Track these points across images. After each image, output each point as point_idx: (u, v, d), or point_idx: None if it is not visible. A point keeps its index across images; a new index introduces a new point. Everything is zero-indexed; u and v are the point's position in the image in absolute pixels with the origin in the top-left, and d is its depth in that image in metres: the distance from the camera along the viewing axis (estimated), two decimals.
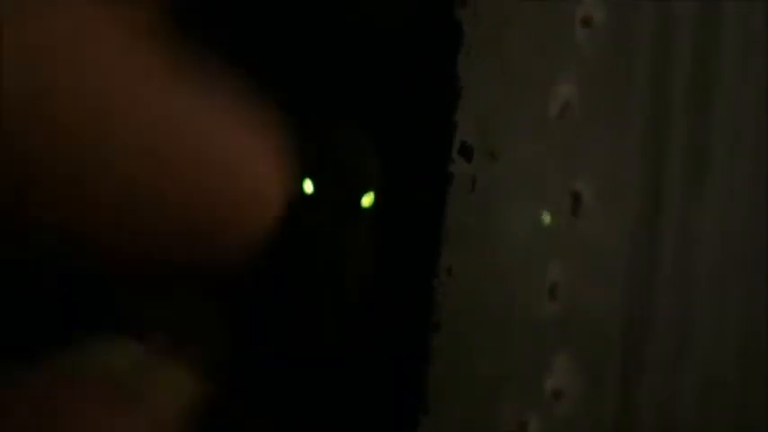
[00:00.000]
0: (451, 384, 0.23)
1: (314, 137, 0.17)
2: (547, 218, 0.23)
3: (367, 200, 0.17)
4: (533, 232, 0.24)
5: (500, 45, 0.23)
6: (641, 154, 0.24)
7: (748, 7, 0.25)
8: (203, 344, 0.28)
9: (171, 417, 0.20)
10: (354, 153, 0.18)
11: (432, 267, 0.23)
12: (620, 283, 0.24)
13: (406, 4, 0.24)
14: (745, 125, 0.25)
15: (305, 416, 0.26)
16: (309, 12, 0.23)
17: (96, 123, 0.12)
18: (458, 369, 0.23)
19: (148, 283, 0.18)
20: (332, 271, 0.17)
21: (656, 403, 0.24)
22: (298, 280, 0.18)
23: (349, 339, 0.25)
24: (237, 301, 0.23)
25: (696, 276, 0.24)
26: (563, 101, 0.24)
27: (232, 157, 0.14)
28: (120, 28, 0.13)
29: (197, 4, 0.20)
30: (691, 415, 0.24)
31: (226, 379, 0.28)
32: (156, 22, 0.14)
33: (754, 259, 0.25)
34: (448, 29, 0.24)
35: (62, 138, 0.12)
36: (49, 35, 0.12)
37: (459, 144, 0.23)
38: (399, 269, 0.23)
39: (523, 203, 0.24)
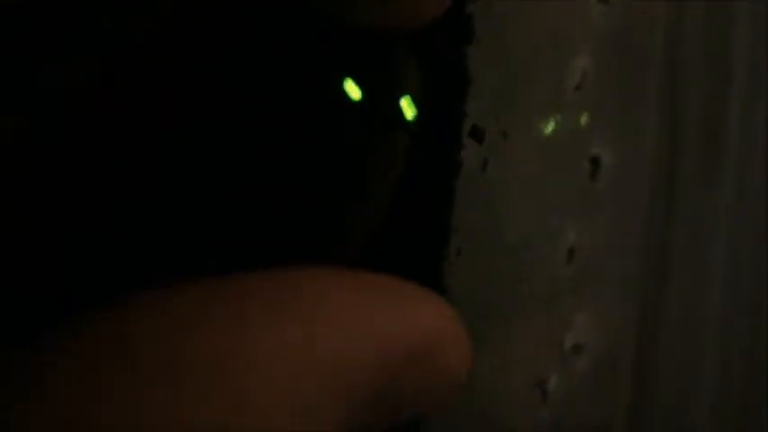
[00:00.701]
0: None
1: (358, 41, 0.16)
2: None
3: (410, 112, 0.16)
4: (550, 199, 0.25)
5: (514, 20, 0.25)
6: (657, 122, 0.25)
7: None
8: None
9: None
10: (398, 63, 0.17)
11: (443, 248, 0.24)
12: (636, 243, 0.25)
13: None
14: (760, 93, 0.26)
15: None
16: None
17: None
18: (472, 331, 0.24)
19: None
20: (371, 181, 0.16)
21: (674, 359, 0.25)
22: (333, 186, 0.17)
23: None
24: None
25: (710, 237, 0.25)
26: (580, 72, 0.25)
27: None
28: None
29: None
30: (708, 366, 0.25)
31: None
32: None
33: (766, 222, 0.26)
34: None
35: None
36: None
37: (470, 127, 0.24)
38: (413, 247, 0.25)
39: (539, 174, 0.25)
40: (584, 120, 0.25)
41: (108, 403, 0.13)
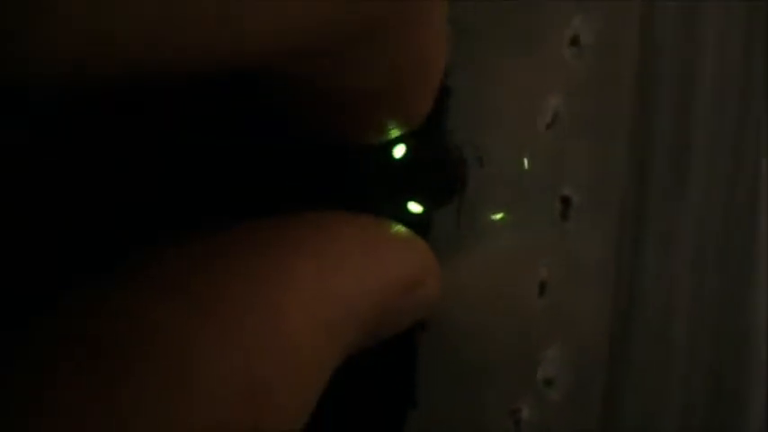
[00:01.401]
0: (441, 378, 0.25)
1: None
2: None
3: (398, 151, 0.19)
4: (523, 235, 0.26)
5: (490, 60, 0.26)
6: (626, 162, 0.26)
7: (726, 23, 0.27)
8: None
9: None
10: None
11: None
12: (605, 280, 0.26)
13: None
14: (723, 137, 0.27)
15: None
16: None
17: None
18: (447, 363, 0.25)
19: None
20: None
21: (641, 388, 0.26)
22: None
23: None
24: None
25: (676, 272, 0.26)
26: (552, 112, 0.26)
27: None
28: None
29: None
30: (674, 396, 0.26)
31: None
32: None
33: (729, 257, 0.27)
34: None
35: None
36: None
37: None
38: None
39: (516, 207, 0.26)
40: (555, 159, 0.26)
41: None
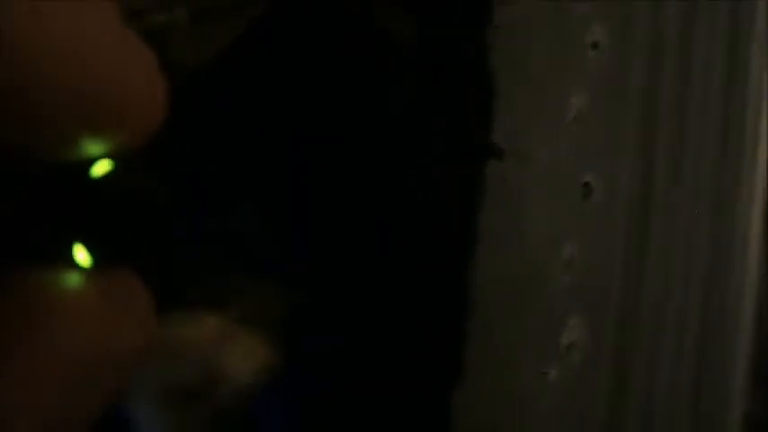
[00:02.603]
0: (483, 350, 0.28)
1: None
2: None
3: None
4: (552, 218, 0.29)
5: (525, 64, 0.29)
6: (635, 151, 0.30)
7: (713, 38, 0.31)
8: (268, 317, 0.32)
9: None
10: None
11: (468, 258, 0.28)
12: (619, 255, 0.30)
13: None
14: (714, 129, 0.31)
15: (355, 383, 0.31)
16: None
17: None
18: (489, 338, 0.28)
19: None
20: None
21: (646, 348, 0.30)
22: None
23: (393, 311, 0.30)
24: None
25: (676, 246, 0.31)
26: (577, 108, 0.29)
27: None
28: None
29: None
30: (670, 344, 0.31)
31: (287, 346, 0.32)
32: None
33: (719, 231, 0.31)
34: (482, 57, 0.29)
35: None
36: None
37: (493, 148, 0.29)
38: (443, 262, 0.29)
39: (544, 194, 0.29)
40: (578, 149, 0.29)
41: None
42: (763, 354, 0.32)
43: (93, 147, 0.14)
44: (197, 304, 0.31)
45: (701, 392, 0.31)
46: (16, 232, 0.14)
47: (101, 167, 0.14)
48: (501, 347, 0.29)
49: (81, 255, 0.14)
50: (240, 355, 0.33)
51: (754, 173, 0.31)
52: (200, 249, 0.30)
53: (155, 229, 0.15)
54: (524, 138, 0.29)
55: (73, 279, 0.14)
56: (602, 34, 0.30)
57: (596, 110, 0.29)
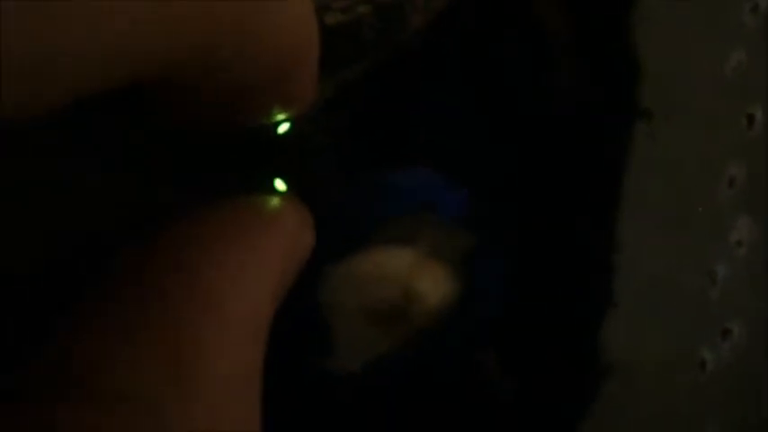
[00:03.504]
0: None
1: None
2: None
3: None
4: (717, 144, 0.32)
5: (676, 29, 0.34)
6: None
7: None
8: (451, 253, 0.37)
9: None
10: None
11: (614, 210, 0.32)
12: None
13: None
14: None
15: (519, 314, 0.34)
16: None
17: None
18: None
19: None
20: None
21: None
22: None
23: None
24: None
25: None
26: (737, 61, 0.33)
27: None
28: None
29: None
30: None
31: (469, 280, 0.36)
32: None
33: None
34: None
35: None
36: None
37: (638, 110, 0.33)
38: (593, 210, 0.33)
39: (704, 130, 0.33)
40: (741, 90, 0.33)
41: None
42: None
43: (276, 112, 0.18)
44: (393, 240, 0.36)
45: None
46: (236, 175, 0.19)
47: (282, 127, 0.19)
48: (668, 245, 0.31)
49: (279, 184, 0.19)
50: (430, 281, 0.37)
51: None
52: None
53: (320, 167, 0.21)
54: (676, 96, 0.33)
55: (276, 201, 0.19)
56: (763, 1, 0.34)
57: (754, 62, 0.33)
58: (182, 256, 0.16)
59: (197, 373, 0.15)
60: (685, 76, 0.34)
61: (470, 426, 0.37)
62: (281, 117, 0.18)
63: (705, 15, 0.35)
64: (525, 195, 0.35)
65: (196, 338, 0.15)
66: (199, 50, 0.14)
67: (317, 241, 0.20)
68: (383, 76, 0.32)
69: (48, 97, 0.13)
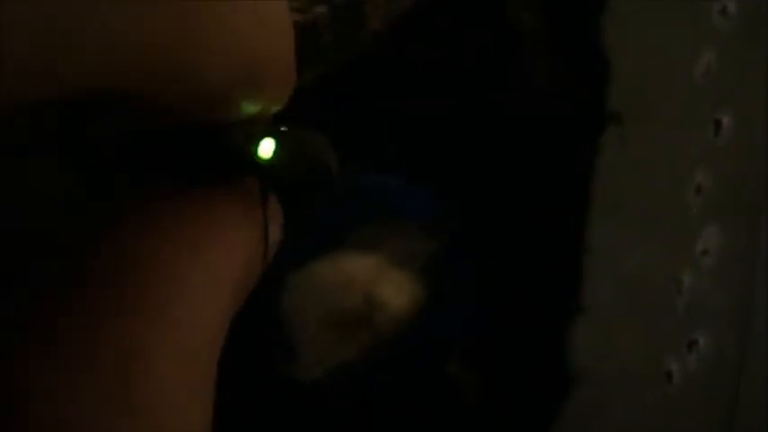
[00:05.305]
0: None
1: None
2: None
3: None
4: (681, 150, 0.32)
5: (646, 31, 0.33)
6: (763, 96, 0.33)
7: None
8: (416, 259, 0.37)
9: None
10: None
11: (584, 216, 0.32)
12: (750, 182, 0.32)
13: None
14: None
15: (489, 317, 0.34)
16: None
17: None
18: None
19: None
20: None
21: None
22: None
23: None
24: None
25: None
26: (706, 63, 0.33)
27: None
28: None
29: None
30: None
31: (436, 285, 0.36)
32: None
33: None
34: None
35: None
36: None
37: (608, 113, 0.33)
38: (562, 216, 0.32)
39: (673, 134, 0.32)
40: (710, 94, 0.32)
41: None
42: None
43: (247, 107, 0.17)
44: (356, 246, 0.36)
45: None
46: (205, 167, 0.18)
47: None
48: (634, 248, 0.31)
49: (267, 145, 0.18)
50: (393, 287, 0.36)
51: None
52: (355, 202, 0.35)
53: (298, 166, 0.19)
54: (645, 100, 0.32)
55: (240, 197, 0.18)
56: (730, 2, 0.33)
57: (723, 65, 0.33)
58: (126, 261, 0.16)
59: (142, 393, 0.15)
60: (655, 78, 0.34)
61: (436, 430, 0.36)
62: (255, 110, 0.17)
63: (675, 17, 0.35)
64: (494, 198, 0.35)
65: (139, 352, 0.15)
66: (167, 62, 0.14)
67: (279, 247, 0.19)
68: (341, 78, 0.32)
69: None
